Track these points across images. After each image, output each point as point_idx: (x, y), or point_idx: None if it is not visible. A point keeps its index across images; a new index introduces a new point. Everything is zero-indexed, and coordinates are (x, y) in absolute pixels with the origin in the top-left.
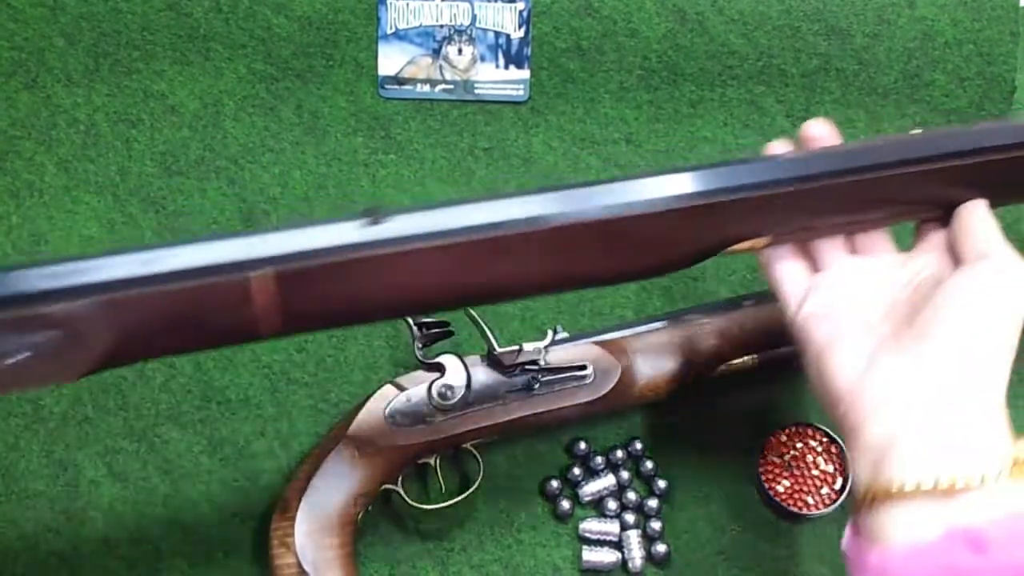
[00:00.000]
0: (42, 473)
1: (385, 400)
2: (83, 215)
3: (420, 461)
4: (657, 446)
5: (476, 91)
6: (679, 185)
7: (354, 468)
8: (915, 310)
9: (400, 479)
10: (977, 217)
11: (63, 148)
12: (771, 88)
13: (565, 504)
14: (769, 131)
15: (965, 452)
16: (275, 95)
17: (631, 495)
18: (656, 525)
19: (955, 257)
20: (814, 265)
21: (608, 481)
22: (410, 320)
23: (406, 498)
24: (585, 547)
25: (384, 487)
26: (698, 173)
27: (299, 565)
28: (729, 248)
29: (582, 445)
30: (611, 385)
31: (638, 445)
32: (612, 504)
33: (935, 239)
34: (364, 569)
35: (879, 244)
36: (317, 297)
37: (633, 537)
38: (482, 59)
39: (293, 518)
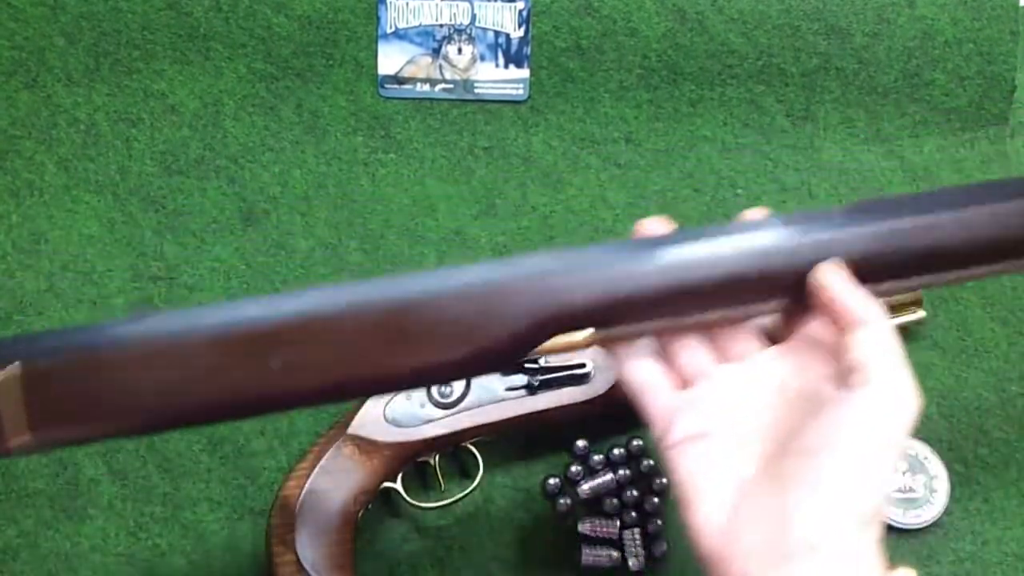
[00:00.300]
0: (42, 472)
1: (385, 398)
2: (83, 214)
3: (419, 459)
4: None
5: (476, 90)
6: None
7: (354, 466)
8: (789, 437)
9: (400, 477)
10: (838, 291)
11: (63, 147)
12: (771, 87)
13: (564, 502)
14: (769, 130)
15: None
16: (275, 94)
17: (631, 493)
18: (656, 523)
19: (831, 350)
20: (679, 376)
21: (607, 479)
22: None
23: (406, 496)
24: (585, 545)
25: (384, 485)
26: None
27: (299, 563)
28: (549, 343)
29: (581, 443)
30: (610, 384)
31: (637, 443)
32: (611, 502)
33: (805, 325)
34: (363, 567)
35: (743, 344)
36: (67, 396)
37: (632, 536)
38: (482, 58)
39: (293, 516)
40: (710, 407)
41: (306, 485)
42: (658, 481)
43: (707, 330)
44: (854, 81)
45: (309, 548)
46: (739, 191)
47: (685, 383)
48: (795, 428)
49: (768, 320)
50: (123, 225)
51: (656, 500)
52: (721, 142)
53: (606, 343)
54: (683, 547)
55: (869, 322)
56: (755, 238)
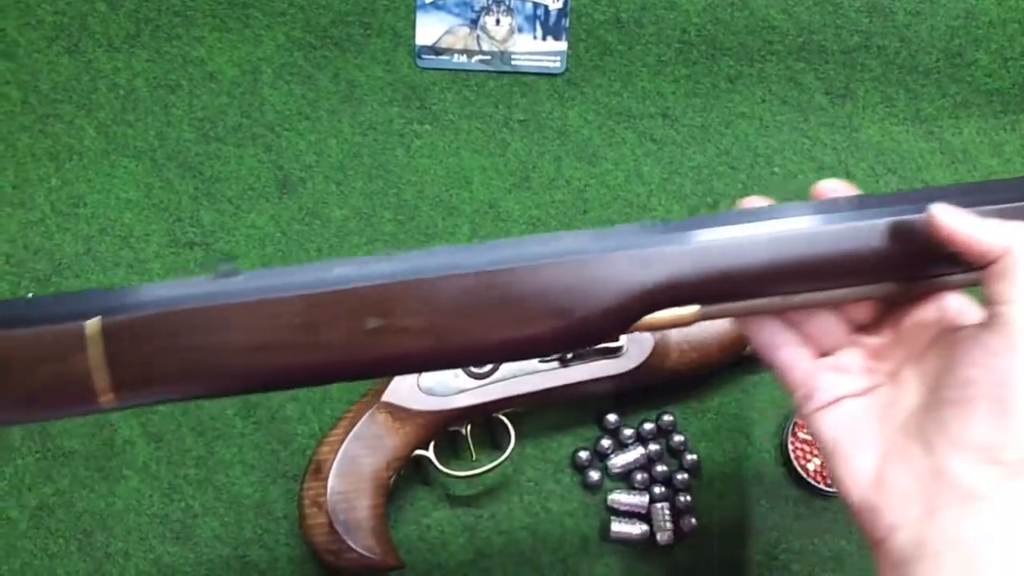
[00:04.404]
0: (78, 432)
1: None
2: (121, 179)
3: (451, 428)
4: (687, 420)
5: (513, 62)
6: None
7: (387, 433)
8: (935, 387)
9: (432, 446)
10: (963, 227)
11: (103, 112)
12: (810, 64)
13: (594, 475)
14: (807, 108)
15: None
16: (313, 63)
17: (660, 468)
18: (685, 499)
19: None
20: (816, 346)
21: (638, 454)
22: None
23: (437, 464)
24: (614, 518)
25: (416, 453)
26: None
27: (330, 525)
28: (651, 317)
29: (612, 417)
30: (644, 358)
31: (668, 419)
32: (641, 477)
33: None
34: (394, 532)
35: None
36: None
37: (661, 510)
38: (520, 30)
39: (326, 479)
40: (851, 370)
41: (340, 450)
42: (688, 457)
43: (815, 309)
44: (895, 60)
45: (342, 512)
46: (775, 169)
47: (820, 350)
48: (940, 377)
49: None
50: (160, 190)
51: (686, 475)
52: (759, 119)
53: (714, 318)
54: (711, 522)
55: (1004, 251)
56: (871, 215)
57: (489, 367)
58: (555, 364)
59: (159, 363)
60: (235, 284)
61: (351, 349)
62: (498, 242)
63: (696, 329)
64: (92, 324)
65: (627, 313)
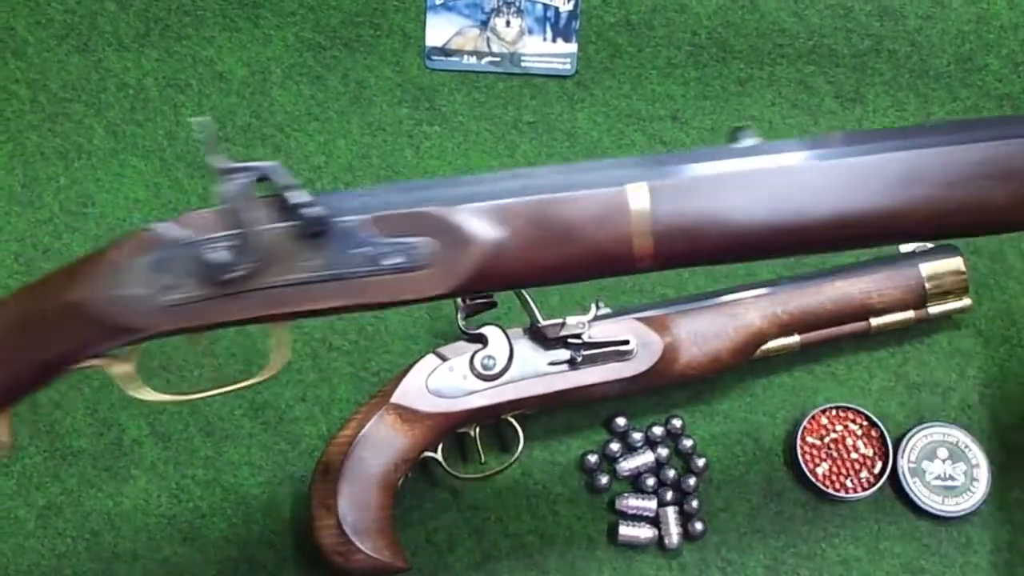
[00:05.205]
0: (86, 431)
1: (428, 369)
2: (130, 178)
3: (460, 431)
4: (696, 424)
5: (523, 64)
6: None
7: (396, 435)
8: None
9: (440, 448)
10: None
11: (112, 111)
12: (821, 68)
13: (602, 479)
14: (818, 112)
15: None
16: (322, 64)
17: (669, 472)
18: (693, 503)
19: None
20: None
21: (647, 458)
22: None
23: (446, 466)
24: (622, 522)
25: (424, 455)
26: None
27: (339, 526)
28: None
29: (621, 421)
30: (653, 361)
31: (677, 423)
32: (650, 481)
33: None
34: (401, 534)
35: None
36: (691, 216)
37: (670, 514)
38: (530, 32)
39: (335, 481)
40: None
41: (348, 452)
42: (697, 461)
43: None
44: (905, 64)
45: (350, 513)
46: None
47: None
48: None
49: None
50: (169, 190)
51: (694, 479)
52: (769, 122)
53: None
54: (719, 527)
55: None
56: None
57: (499, 368)
58: (564, 367)
59: (696, 228)
60: (756, 151)
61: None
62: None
63: (706, 333)
64: (637, 188)
65: None
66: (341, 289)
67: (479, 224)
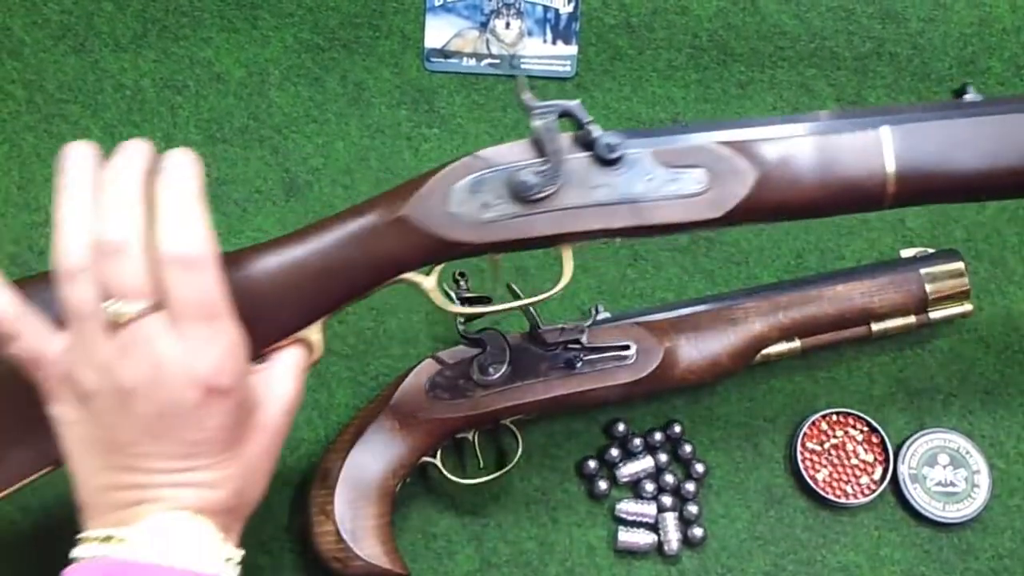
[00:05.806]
0: None
1: (426, 374)
2: None
3: (458, 436)
4: (696, 430)
5: (522, 66)
6: None
7: (394, 440)
8: None
9: (438, 453)
10: None
11: (109, 113)
12: (822, 71)
13: (602, 485)
14: None
15: None
16: (321, 65)
17: (668, 478)
18: (693, 508)
19: None
20: None
21: (646, 463)
22: (452, 292)
23: (444, 472)
24: (621, 528)
25: (422, 460)
26: None
27: (337, 533)
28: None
29: (620, 426)
30: (653, 366)
31: (677, 428)
32: (649, 486)
33: None
34: (400, 540)
35: None
36: (928, 160)
37: (669, 520)
38: (529, 33)
39: (333, 487)
40: None
41: (347, 457)
42: (697, 466)
43: None
44: (907, 67)
45: (348, 519)
46: None
47: None
48: None
49: None
50: None
51: (694, 485)
52: None
53: None
54: (719, 533)
55: None
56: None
57: (498, 374)
58: (563, 372)
59: (932, 171)
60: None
61: None
62: None
63: (706, 337)
64: (888, 132)
65: None
66: (628, 212)
67: (749, 158)
